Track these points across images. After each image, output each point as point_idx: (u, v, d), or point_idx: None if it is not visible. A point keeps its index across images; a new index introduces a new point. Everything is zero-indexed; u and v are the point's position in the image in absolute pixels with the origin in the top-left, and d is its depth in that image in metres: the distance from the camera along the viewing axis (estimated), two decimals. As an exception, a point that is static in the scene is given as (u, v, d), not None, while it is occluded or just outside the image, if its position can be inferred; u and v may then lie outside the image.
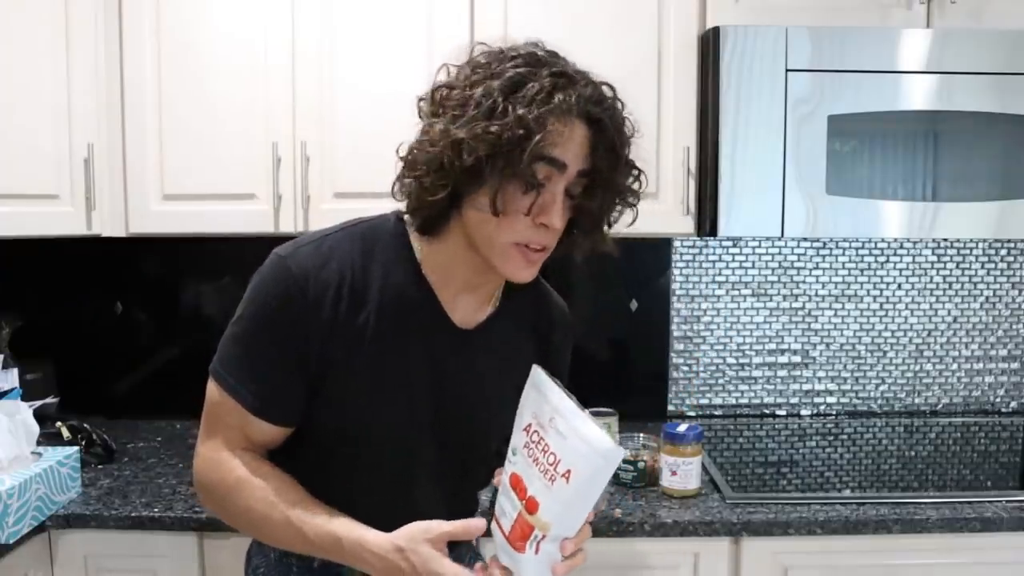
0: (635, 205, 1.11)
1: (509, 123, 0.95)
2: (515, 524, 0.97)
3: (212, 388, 1.10)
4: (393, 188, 1.09)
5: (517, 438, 1.01)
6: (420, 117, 1.06)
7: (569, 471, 0.92)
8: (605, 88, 1.04)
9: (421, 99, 1.06)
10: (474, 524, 1.02)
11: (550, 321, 1.23)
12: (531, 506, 0.94)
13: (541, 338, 1.21)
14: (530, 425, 0.98)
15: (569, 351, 1.28)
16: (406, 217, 1.11)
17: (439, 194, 1.01)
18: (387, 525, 1.03)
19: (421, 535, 1.00)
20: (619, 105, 1.05)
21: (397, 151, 1.07)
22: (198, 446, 1.12)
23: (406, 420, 1.11)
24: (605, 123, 1.01)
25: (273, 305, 1.05)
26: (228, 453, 1.09)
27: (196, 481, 1.13)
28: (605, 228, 1.10)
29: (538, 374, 1.02)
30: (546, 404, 0.98)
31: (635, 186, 1.09)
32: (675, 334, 2.24)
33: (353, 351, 1.06)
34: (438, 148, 0.99)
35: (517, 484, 0.97)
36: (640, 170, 1.09)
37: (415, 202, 1.06)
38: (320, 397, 1.08)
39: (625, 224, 1.13)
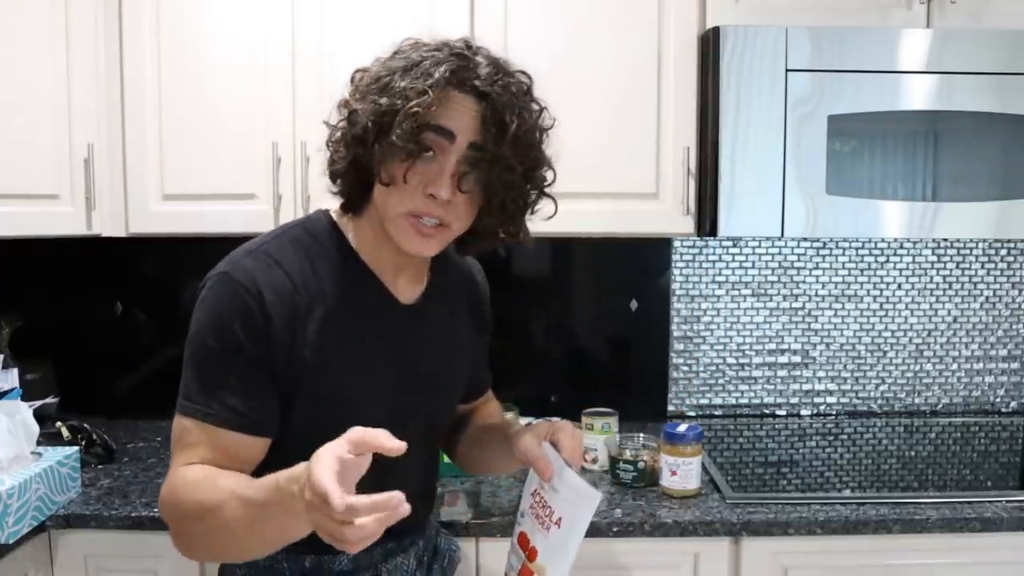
0: (545, 192, 1.14)
1: (394, 93, 1.02)
2: (520, 571, 1.12)
3: (177, 423, 1.07)
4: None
5: (525, 502, 1.15)
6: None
7: (560, 518, 1.09)
8: (520, 75, 1.09)
9: (343, 99, 1.11)
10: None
11: (477, 288, 1.33)
12: (532, 555, 1.11)
13: (473, 301, 1.32)
14: (536, 490, 1.13)
15: (489, 303, 1.38)
16: (333, 212, 1.17)
17: (339, 165, 1.09)
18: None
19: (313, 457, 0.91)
20: (524, 87, 1.09)
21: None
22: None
23: (381, 398, 1.14)
24: (494, 97, 1.04)
25: (229, 320, 1.05)
26: (186, 468, 1.05)
27: (161, 508, 1.07)
28: (514, 213, 1.12)
29: (546, 446, 1.13)
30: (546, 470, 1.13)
31: (536, 176, 1.12)
32: (675, 334, 2.24)
33: (319, 349, 1.08)
34: (342, 122, 1.08)
35: (523, 541, 1.13)
36: (546, 166, 1.12)
37: (330, 177, 1.13)
38: (298, 400, 1.09)
39: (544, 216, 1.17)
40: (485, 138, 1.04)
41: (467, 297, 1.32)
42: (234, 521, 0.97)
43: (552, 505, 1.10)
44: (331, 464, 0.85)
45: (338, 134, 1.09)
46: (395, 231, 1.08)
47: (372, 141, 1.03)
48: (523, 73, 1.10)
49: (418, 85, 1.01)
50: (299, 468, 0.92)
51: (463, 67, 1.04)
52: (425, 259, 1.20)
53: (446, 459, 1.45)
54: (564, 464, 1.10)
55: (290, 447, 1.07)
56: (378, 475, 1.08)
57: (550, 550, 1.09)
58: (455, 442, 1.39)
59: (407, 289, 1.19)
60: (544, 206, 1.16)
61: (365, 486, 1.04)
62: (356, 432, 0.89)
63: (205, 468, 1.05)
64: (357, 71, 1.11)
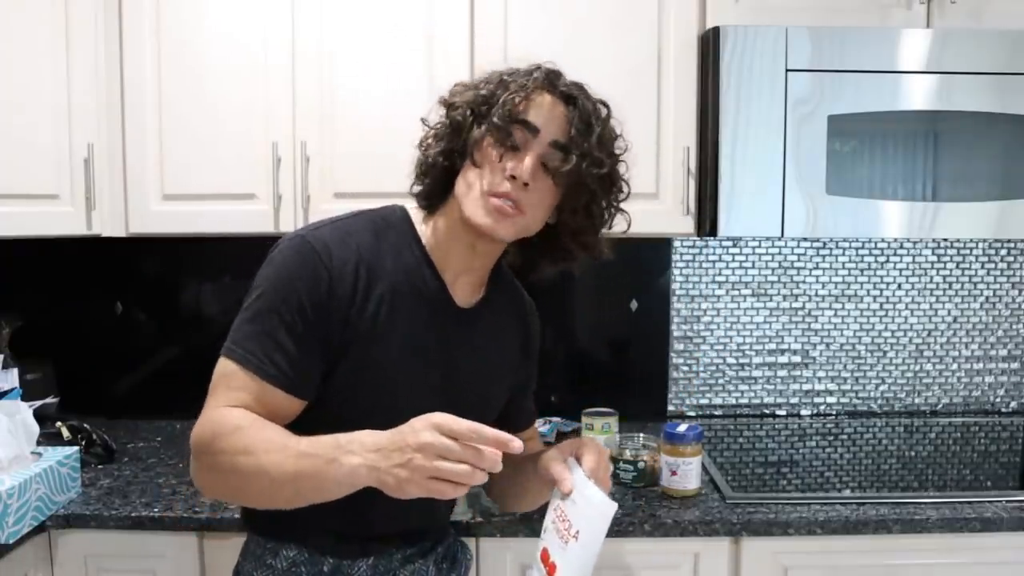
0: (620, 208, 1.24)
1: (491, 87, 1.16)
2: None
3: (222, 364, 1.11)
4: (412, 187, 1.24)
5: (548, 517, 1.15)
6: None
7: (578, 531, 1.08)
8: (601, 104, 1.20)
9: (441, 98, 1.22)
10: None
11: (527, 312, 1.39)
12: (551, 571, 1.09)
13: (523, 324, 1.37)
14: (558, 504, 1.13)
15: (539, 335, 1.43)
16: (410, 209, 1.24)
17: (434, 153, 1.18)
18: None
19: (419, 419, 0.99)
20: (604, 110, 1.19)
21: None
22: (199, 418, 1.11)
23: (420, 388, 1.17)
24: (581, 102, 1.16)
25: (297, 279, 1.10)
26: (227, 408, 1.08)
27: (193, 442, 1.09)
28: (596, 219, 1.21)
29: (570, 461, 1.16)
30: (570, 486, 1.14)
31: (618, 181, 1.21)
32: (675, 334, 2.24)
33: (372, 324, 1.13)
34: (440, 117, 1.19)
35: (544, 556, 1.12)
36: (624, 179, 1.22)
37: (418, 170, 1.21)
38: (340, 369, 1.13)
39: (620, 230, 1.27)
40: (571, 136, 1.14)
41: (518, 319, 1.35)
42: (276, 469, 1.02)
43: (571, 518, 1.11)
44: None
45: (436, 128, 1.20)
46: (474, 208, 1.13)
47: (470, 126, 1.15)
48: (603, 101, 1.20)
49: (517, 80, 1.15)
50: (361, 432, 1.01)
51: (555, 74, 1.17)
52: (487, 267, 1.25)
53: None
54: (585, 478, 1.11)
55: (322, 412, 1.13)
56: None
57: (568, 565, 1.09)
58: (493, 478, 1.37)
59: (465, 294, 1.23)
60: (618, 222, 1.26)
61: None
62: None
63: (251, 415, 1.08)
64: (456, 84, 1.22)
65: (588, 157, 1.13)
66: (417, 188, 1.22)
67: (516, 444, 0.95)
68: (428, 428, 0.95)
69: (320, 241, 1.12)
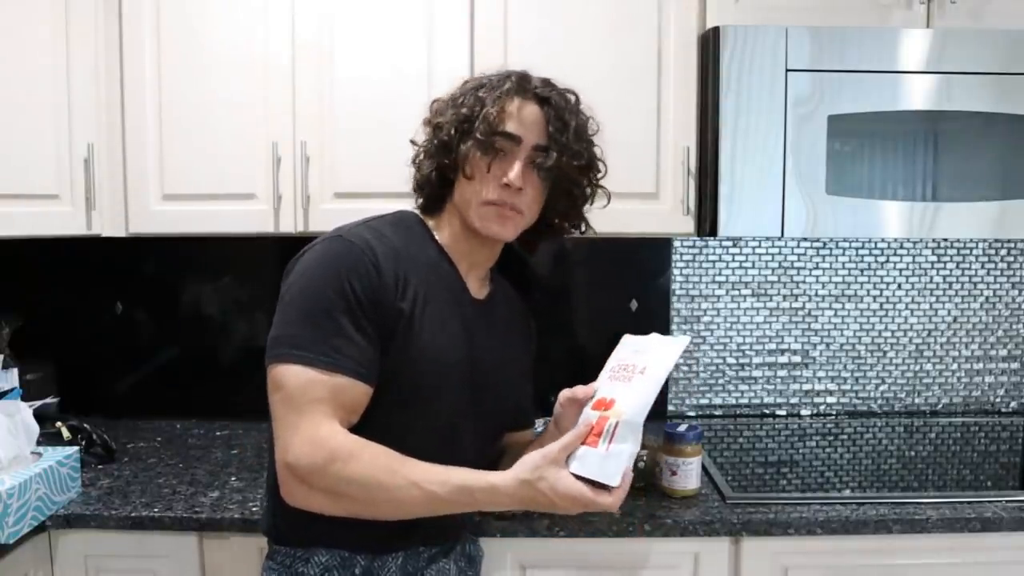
0: (599, 185, 1.34)
1: (470, 104, 1.24)
2: (593, 426, 1.14)
3: (292, 372, 1.13)
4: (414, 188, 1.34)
5: (600, 383, 1.21)
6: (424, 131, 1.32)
7: (646, 367, 1.17)
8: (569, 94, 1.30)
9: (425, 119, 1.32)
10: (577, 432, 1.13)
11: (525, 314, 1.48)
12: (608, 405, 1.15)
13: (525, 320, 1.47)
14: (614, 367, 1.21)
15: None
16: (416, 210, 1.34)
17: (428, 171, 1.28)
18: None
19: (542, 460, 1.09)
20: (573, 99, 1.30)
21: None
22: (288, 436, 1.13)
23: (452, 373, 1.24)
24: (554, 101, 1.25)
25: (349, 274, 1.16)
26: (330, 428, 1.12)
27: (302, 466, 1.12)
28: (577, 201, 1.33)
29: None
30: (623, 350, 1.25)
31: (596, 165, 1.31)
32: (675, 334, 2.24)
33: (412, 310, 1.20)
34: (427, 137, 1.29)
35: (601, 402, 1.17)
36: (600, 160, 1.32)
37: (415, 184, 1.32)
38: (388, 354, 1.18)
39: (600, 206, 1.36)
40: (550, 136, 1.24)
41: (522, 316, 1.45)
42: (409, 502, 1.11)
43: (636, 363, 1.18)
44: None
45: (424, 146, 1.30)
46: (478, 218, 1.25)
47: (457, 143, 1.24)
48: (570, 91, 1.30)
49: (491, 94, 1.23)
50: (501, 481, 1.10)
51: (525, 79, 1.27)
52: (491, 262, 1.35)
53: None
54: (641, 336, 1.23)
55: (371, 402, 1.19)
56: (436, 453, 1.19)
57: (631, 396, 1.14)
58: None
59: (475, 287, 1.33)
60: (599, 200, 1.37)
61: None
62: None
63: (368, 443, 1.13)
64: (434, 100, 1.32)
65: (568, 151, 1.24)
66: (419, 201, 1.33)
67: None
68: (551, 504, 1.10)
69: (360, 238, 1.19)
